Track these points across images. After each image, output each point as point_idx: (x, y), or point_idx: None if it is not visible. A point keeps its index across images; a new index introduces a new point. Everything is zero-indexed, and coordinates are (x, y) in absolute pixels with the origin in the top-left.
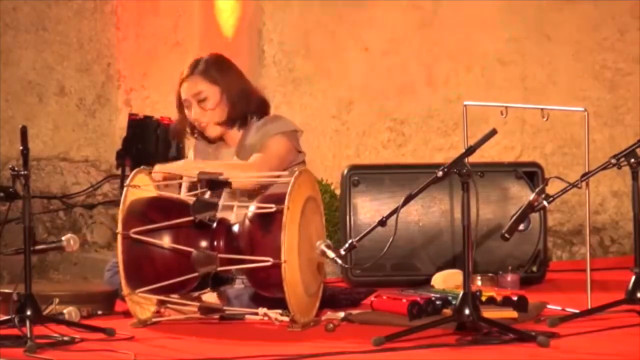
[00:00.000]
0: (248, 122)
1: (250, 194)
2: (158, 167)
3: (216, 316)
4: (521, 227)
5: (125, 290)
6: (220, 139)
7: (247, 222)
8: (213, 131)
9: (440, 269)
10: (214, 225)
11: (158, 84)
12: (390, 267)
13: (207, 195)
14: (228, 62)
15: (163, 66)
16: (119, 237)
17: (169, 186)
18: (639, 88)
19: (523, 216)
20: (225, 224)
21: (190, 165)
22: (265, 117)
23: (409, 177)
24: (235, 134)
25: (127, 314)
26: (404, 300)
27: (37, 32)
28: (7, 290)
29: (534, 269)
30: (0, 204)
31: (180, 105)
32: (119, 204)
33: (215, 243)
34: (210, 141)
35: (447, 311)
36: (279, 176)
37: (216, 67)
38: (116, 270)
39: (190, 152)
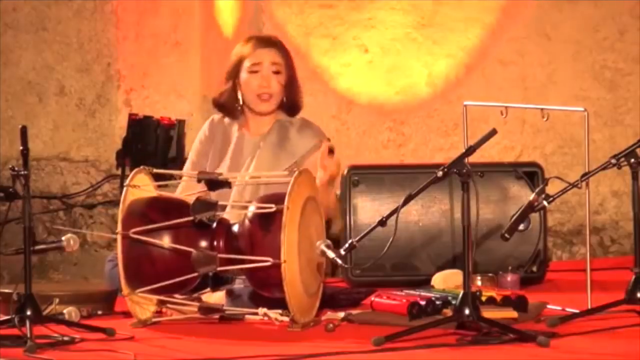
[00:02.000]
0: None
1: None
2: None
3: (216, 316)
4: (521, 227)
5: (125, 290)
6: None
7: (247, 222)
8: (269, 106)
9: (440, 269)
10: (214, 225)
11: (158, 84)
12: (390, 267)
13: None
14: (291, 53)
15: (163, 66)
16: (119, 237)
17: (168, 186)
18: (639, 88)
19: (523, 216)
20: (225, 224)
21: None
22: (299, 118)
23: (409, 177)
24: (261, 120)
25: (127, 314)
26: (404, 300)
27: (37, 32)
28: (7, 290)
29: (534, 269)
30: (0, 204)
31: (234, 70)
32: (119, 204)
33: (215, 243)
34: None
35: (447, 311)
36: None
37: (287, 51)
38: (117, 262)
39: (205, 128)
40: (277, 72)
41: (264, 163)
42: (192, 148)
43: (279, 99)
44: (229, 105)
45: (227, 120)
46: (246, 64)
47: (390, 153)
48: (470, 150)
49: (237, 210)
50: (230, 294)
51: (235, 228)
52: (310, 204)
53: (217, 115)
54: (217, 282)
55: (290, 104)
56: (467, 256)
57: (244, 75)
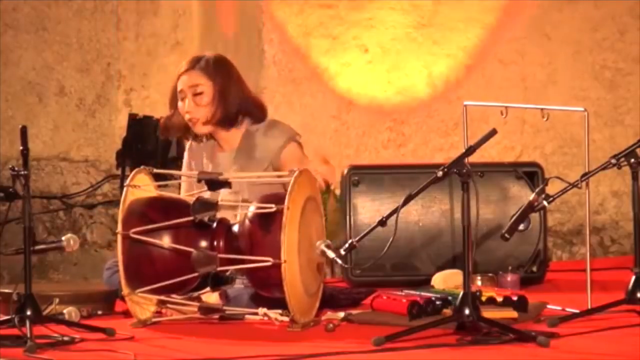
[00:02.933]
0: (239, 124)
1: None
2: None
3: (216, 316)
4: (521, 227)
5: (125, 290)
6: (208, 137)
7: (247, 222)
8: (201, 128)
9: (440, 269)
10: (214, 225)
11: (158, 84)
12: (390, 267)
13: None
14: (229, 63)
15: (163, 66)
16: (119, 237)
17: (168, 186)
18: (639, 88)
19: (523, 216)
20: (225, 224)
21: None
22: (263, 123)
23: (409, 177)
24: (227, 136)
25: (127, 314)
26: (404, 300)
27: (37, 32)
28: (7, 290)
29: (534, 269)
30: (0, 204)
31: (173, 99)
32: (119, 204)
33: (215, 243)
34: (197, 138)
35: (447, 311)
36: (277, 176)
37: (216, 65)
38: (115, 270)
39: (185, 154)
40: (197, 94)
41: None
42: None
43: (210, 117)
44: (172, 131)
45: (203, 141)
46: (177, 90)
47: (390, 153)
48: (470, 150)
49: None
50: (224, 296)
51: (236, 228)
52: (310, 204)
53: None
54: (217, 282)
55: (228, 116)
56: (467, 256)
57: (178, 101)
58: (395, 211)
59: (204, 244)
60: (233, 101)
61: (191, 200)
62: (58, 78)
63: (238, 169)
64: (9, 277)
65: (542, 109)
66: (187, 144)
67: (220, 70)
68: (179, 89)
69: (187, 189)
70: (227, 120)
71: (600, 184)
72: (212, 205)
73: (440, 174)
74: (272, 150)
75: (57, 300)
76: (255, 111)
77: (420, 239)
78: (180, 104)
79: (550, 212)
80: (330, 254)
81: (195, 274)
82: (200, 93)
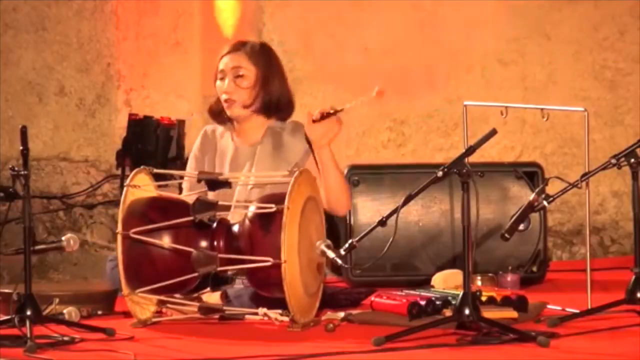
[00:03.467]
0: (271, 117)
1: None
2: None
3: (216, 316)
4: (521, 227)
5: (125, 290)
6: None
7: (247, 222)
8: (236, 111)
9: (440, 269)
10: (214, 225)
11: (158, 84)
12: (390, 267)
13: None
14: (273, 53)
15: (163, 66)
16: (119, 237)
17: (168, 186)
18: (639, 88)
19: (523, 216)
20: (225, 224)
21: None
22: (290, 121)
23: (409, 177)
24: (250, 127)
25: (127, 314)
26: (404, 300)
27: (37, 32)
28: (7, 290)
29: (534, 269)
30: (0, 204)
31: (215, 79)
32: (119, 204)
33: (215, 243)
34: (225, 119)
35: (447, 311)
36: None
37: (261, 52)
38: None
39: (196, 142)
40: (239, 76)
41: (263, 171)
42: (188, 164)
43: (247, 102)
44: (218, 113)
45: (220, 130)
46: (217, 70)
47: (390, 153)
48: (470, 150)
49: (239, 210)
50: (225, 296)
51: (236, 228)
52: (310, 204)
53: (210, 127)
54: (217, 282)
55: (269, 104)
56: (467, 256)
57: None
58: (395, 211)
59: (204, 244)
60: (274, 90)
61: (191, 200)
62: (58, 78)
63: (260, 163)
64: (9, 277)
65: (542, 109)
66: (201, 134)
67: (264, 57)
68: (219, 68)
69: (190, 188)
70: (267, 108)
71: (600, 184)
72: (212, 205)
73: (440, 174)
74: (299, 153)
75: (57, 300)
76: (287, 108)
77: (420, 239)
78: (219, 83)
79: (550, 212)
80: (330, 254)
81: (196, 274)
82: (242, 76)
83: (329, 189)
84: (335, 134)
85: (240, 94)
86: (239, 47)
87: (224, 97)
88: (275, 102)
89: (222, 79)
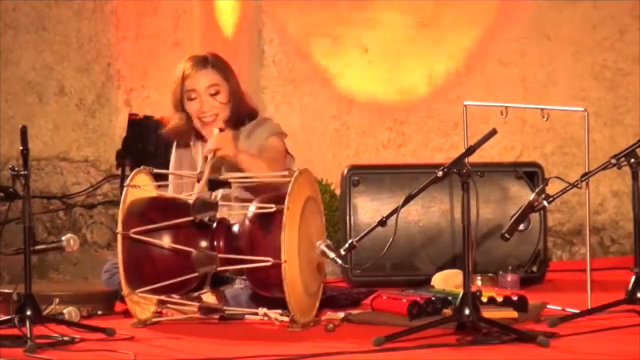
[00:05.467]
0: (242, 126)
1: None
2: (224, 136)
3: (216, 316)
4: (521, 227)
5: (125, 290)
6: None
7: (247, 222)
8: (218, 125)
9: (440, 269)
10: (214, 225)
11: (158, 84)
12: (390, 267)
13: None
14: (230, 65)
15: (163, 66)
16: (119, 237)
17: (168, 186)
18: (639, 88)
19: (523, 216)
20: (225, 224)
21: (240, 151)
22: (252, 122)
23: (409, 177)
24: None
25: (127, 314)
26: (404, 300)
27: (37, 32)
28: (7, 290)
29: (534, 269)
30: (0, 204)
31: (179, 101)
32: (119, 204)
33: (215, 243)
34: (189, 139)
35: (447, 311)
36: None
37: (226, 66)
38: (114, 272)
39: (172, 158)
40: (214, 94)
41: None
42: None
43: (225, 115)
44: (182, 135)
45: (192, 143)
46: (185, 90)
47: (390, 153)
48: (470, 150)
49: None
50: (223, 297)
51: (235, 228)
52: (310, 204)
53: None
54: (217, 282)
55: (239, 115)
56: (467, 256)
57: (185, 102)
58: (395, 211)
59: (204, 244)
60: (240, 101)
61: (191, 200)
62: (58, 78)
63: (227, 169)
64: (9, 277)
65: (542, 109)
66: (173, 151)
67: (229, 70)
68: (189, 88)
69: (175, 191)
70: (242, 119)
71: (600, 184)
72: (212, 205)
73: (440, 174)
74: (255, 147)
75: (57, 300)
76: (251, 114)
77: (420, 239)
78: (190, 102)
79: (550, 212)
80: (330, 254)
81: (195, 274)
82: (218, 92)
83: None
84: (222, 148)
85: (218, 110)
86: (203, 63)
87: (205, 115)
88: (243, 112)
89: (194, 98)
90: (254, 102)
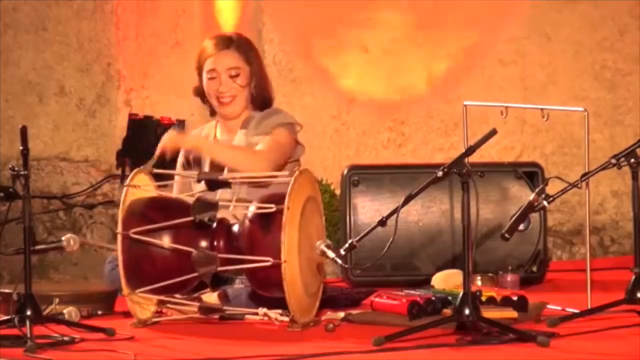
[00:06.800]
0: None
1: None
2: (169, 136)
3: (216, 316)
4: (521, 227)
5: (125, 290)
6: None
7: (247, 222)
8: (234, 107)
9: (440, 269)
10: (214, 225)
11: (158, 84)
12: (390, 267)
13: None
14: (255, 47)
15: (163, 66)
16: (119, 237)
17: (168, 186)
18: (639, 88)
19: (523, 216)
20: (225, 224)
21: (200, 141)
22: (264, 111)
23: (409, 177)
24: (234, 123)
25: (127, 314)
26: (404, 300)
27: (37, 32)
28: (7, 290)
29: (534, 269)
30: (0, 204)
31: (200, 73)
32: (119, 204)
33: (215, 243)
34: (222, 116)
35: (447, 311)
36: (277, 176)
37: (250, 47)
38: (116, 264)
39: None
40: (234, 76)
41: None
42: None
43: (243, 98)
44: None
45: (204, 131)
46: (205, 69)
47: (390, 153)
48: (470, 150)
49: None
50: (223, 297)
51: (236, 228)
52: (310, 204)
53: (195, 131)
54: (217, 282)
55: (259, 98)
56: (467, 256)
57: (204, 80)
58: (395, 211)
59: (204, 244)
60: (262, 86)
61: (191, 200)
62: (58, 78)
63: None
64: (9, 277)
65: (542, 109)
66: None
67: (252, 52)
68: (209, 67)
69: (181, 190)
70: (265, 101)
71: (600, 184)
72: (212, 206)
73: (440, 174)
74: (261, 132)
75: (57, 300)
76: (270, 101)
77: (420, 239)
78: (209, 82)
79: (550, 212)
80: (330, 254)
81: (195, 274)
82: (238, 75)
83: (234, 167)
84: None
85: (238, 92)
86: (227, 44)
87: (223, 96)
88: (265, 95)
89: (213, 78)
90: (273, 90)
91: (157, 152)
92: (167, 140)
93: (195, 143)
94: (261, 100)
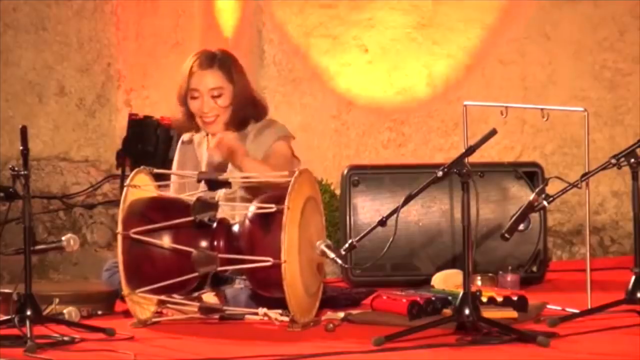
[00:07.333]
0: (247, 127)
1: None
2: (232, 137)
3: (216, 316)
4: (521, 227)
5: (125, 290)
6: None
7: (247, 222)
8: (217, 127)
9: (440, 269)
10: (214, 225)
11: (158, 84)
12: (390, 267)
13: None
14: (239, 63)
15: (163, 66)
16: (119, 237)
17: (168, 186)
18: (639, 88)
19: (523, 216)
20: (225, 224)
21: (245, 154)
22: (260, 122)
23: (409, 177)
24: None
25: (127, 314)
26: (404, 300)
27: (37, 32)
28: (7, 290)
29: (534, 269)
30: (0, 204)
31: (183, 97)
32: (119, 204)
33: (215, 243)
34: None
35: (447, 311)
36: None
37: (234, 66)
38: (114, 271)
39: (175, 156)
40: (217, 96)
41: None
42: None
43: (227, 117)
44: (187, 125)
45: (197, 137)
46: (189, 87)
47: (390, 153)
48: (470, 150)
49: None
50: (223, 297)
51: (236, 228)
52: (310, 204)
53: (186, 136)
54: (217, 282)
55: (237, 120)
56: (467, 256)
57: (188, 99)
58: (395, 211)
59: (204, 244)
60: (246, 103)
61: (191, 200)
62: (58, 78)
63: (233, 169)
64: (9, 277)
65: (542, 109)
66: (178, 147)
67: (236, 70)
68: (192, 86)
69: (178, 190)
70: (238, 122)
71: (600, 184)
72: (213, 206)
73: (440, 174)
74: (263, 150)
75: (57, 300)
76: (260, 113)
77: (420, 239)
78: (190, 101)
79: (550, 212)
80: (330, 254)
81: (196, 274)
82: (220, 95)
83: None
84: (223, 152)
85: (219, 112)
86: (209, 62)
87: (206, 116)
88: (247, 114)
89: (196, 97)
90: (265, 100)
91: (213, 145)
92: (232, 141)
93: (243, 154)
94: (246, 117)
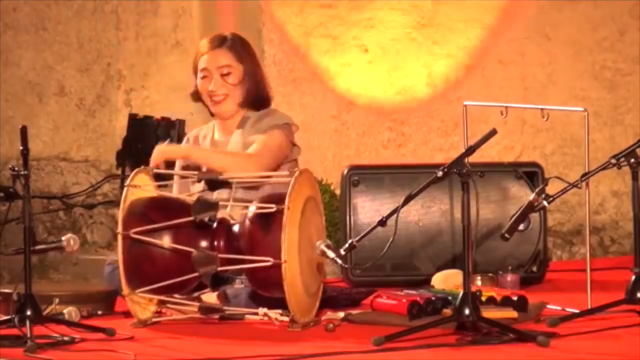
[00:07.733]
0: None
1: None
2: (158, 150)
3: (216, 316)
4: (521, 227)
5: (125, 290)
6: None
7: (247, 222)
8: (226, 107)
9: (440, 269)
10: (214, 225)
11: (158, 84)
12: (390, 267)
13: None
14: (251, 47)
15: (163, 66)
16: (119, 237)
17: (168, 186)
18: (639, 88)
19: (523, 216)
20: (225, 224)
21: (190, 150)
22: (260, 111)
23: (409, 177)
24: (230, 122)
25: (127, 314)
26: (404, 300)
27: (37, 32)
28: (7, 290)
29: (534, 269)
30: (0, 204)
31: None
32: (119, 204)
33: (216, 243)
34: (216, 115)
35: (447, 311)
36: (277, 177)
37: (243, 47)
38: (116, 266)
39: (184, 142)
40: (226, 74)
41: None
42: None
43: (236, 97)
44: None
45: (203, 132)
46: (198, 67)
47: (390, 153)
48: (470, 150)
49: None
50: (223, 297)
51: (236, 228)
52: (310, 204)
53: (193, 133)
54: (217, 282)
55: (253, 98)
56: (467, 256)
57: (199, 80)
58: (395, 211)
59: (204, 244)
60: (256, 85)
61: (191, 200)
62: (58, 78)
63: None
64: (9, 277)
65: (542, 109)
66: (185, 139)
67: (246, 51)
68: (202, 66)
69: (180, 190)
70: (251, 102)
71: (600, 184)
72: (213, 206)
73: (440, 174)
74: (255, 132)
75: (57, 300)
76: (266, 100)
77: (420, 239)
78: (201, 81)
79: (550, 212)
80: (330, 254)
81: (196, 274)
82: (228, 73)
83: (227, 169)
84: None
85: (228, 91)
86: (219, 43)
87: (215, 95)
88: (259, 93)
89: (205, 77)
90: (272, 90)
91: (151, 165)
92: (157, 155)
93: (184, 152)
94: (255, 99)
